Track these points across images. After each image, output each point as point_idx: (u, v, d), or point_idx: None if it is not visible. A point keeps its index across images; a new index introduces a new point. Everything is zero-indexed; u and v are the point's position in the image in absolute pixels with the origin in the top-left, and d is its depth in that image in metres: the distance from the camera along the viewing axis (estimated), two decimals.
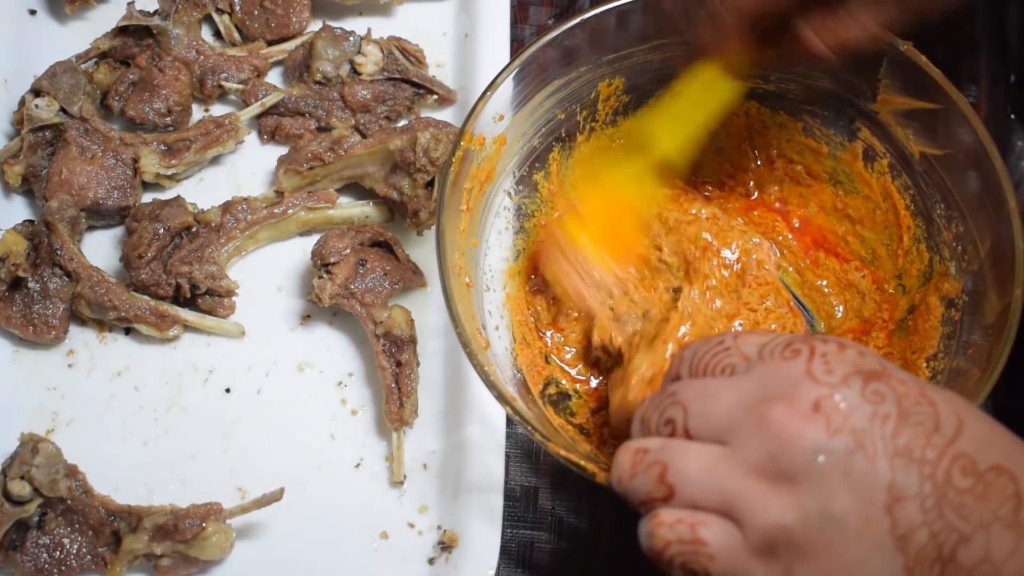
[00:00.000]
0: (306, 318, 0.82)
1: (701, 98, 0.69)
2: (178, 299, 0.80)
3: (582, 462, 0.61)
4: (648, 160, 0.71)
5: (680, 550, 0.47)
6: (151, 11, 0.87)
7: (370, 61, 0.86)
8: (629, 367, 0.68)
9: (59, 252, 0.78)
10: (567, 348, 0.76)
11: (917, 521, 0.43)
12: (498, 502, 0.72)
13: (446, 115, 0.87)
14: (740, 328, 0.74)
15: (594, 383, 0.75)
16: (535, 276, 0.78)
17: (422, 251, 0.82)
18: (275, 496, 0.72)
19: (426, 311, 0.80)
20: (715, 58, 0.66)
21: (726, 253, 0.76)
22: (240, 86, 0.87)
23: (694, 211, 0.78)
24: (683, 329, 0.69)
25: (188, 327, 0.81)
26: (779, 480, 0.45)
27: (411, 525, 0.75)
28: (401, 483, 0.76)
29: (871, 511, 0.44)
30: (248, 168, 0.87)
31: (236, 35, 0.90)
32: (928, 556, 0.43)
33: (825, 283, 0.77)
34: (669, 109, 0.71)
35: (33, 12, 0.91)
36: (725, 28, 0.64)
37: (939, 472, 0.44)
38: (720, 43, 0.66)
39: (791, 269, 0.78)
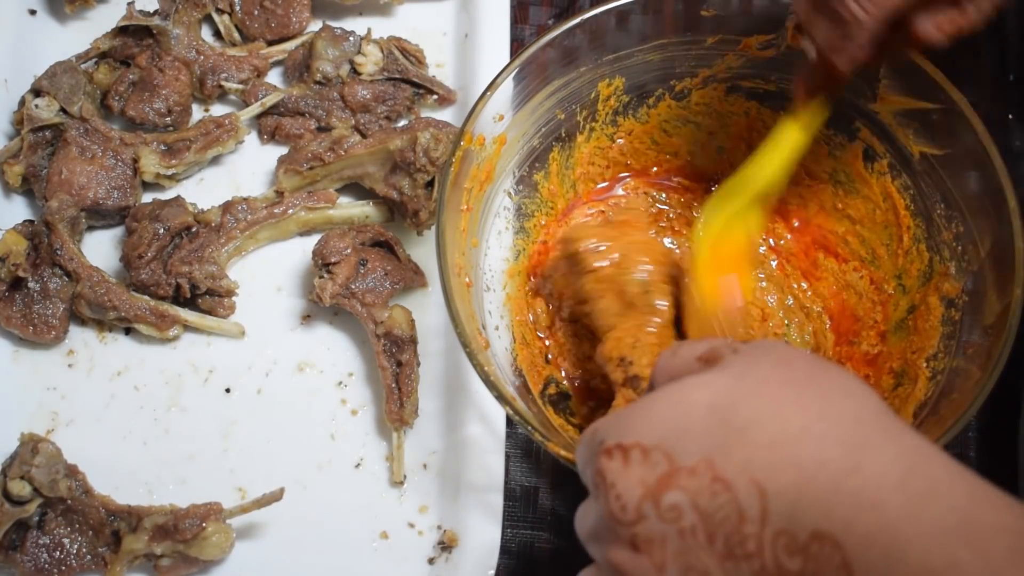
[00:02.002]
0: (306, 318, 0.82)
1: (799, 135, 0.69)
2: (178, 299, 0.80)
3: None
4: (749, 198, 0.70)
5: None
6: (151, 11, 0.87)
7: (370, 61, 0.86)
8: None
9: (59, 252, 0.78)
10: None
11: None
12: (498, 502, 0.72)
13: (446, 115, 0.87)
14: None
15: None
16: (534, 279, 0.78)
17: (422, 251, 0.82)
18: (275, 496, 0.72)
19: (426, 311, 0.80)
20: (838, 64, 0.63)
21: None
22: (240, 86, 0.87)
23: None
24: None
25: (188, 327, 0.81)
26: None
27: (411, 525, 0.75)
28: (401, 483, 0.76)
29: None
30: (248, 168, 0.87)
31: (236, 35, 0.90)
32: None
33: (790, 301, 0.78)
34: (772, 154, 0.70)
35: (33, 12, 0.91)
36: (859, 30, 0.60)
37: (768, 562, 0.42)
38: (851, 46, 0.61)
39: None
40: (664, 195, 0.81)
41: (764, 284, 0.78)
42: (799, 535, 0.41)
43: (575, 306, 0.74)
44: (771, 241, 0.79)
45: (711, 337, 0.52)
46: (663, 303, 0.71)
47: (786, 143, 0.68)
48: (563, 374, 0.75)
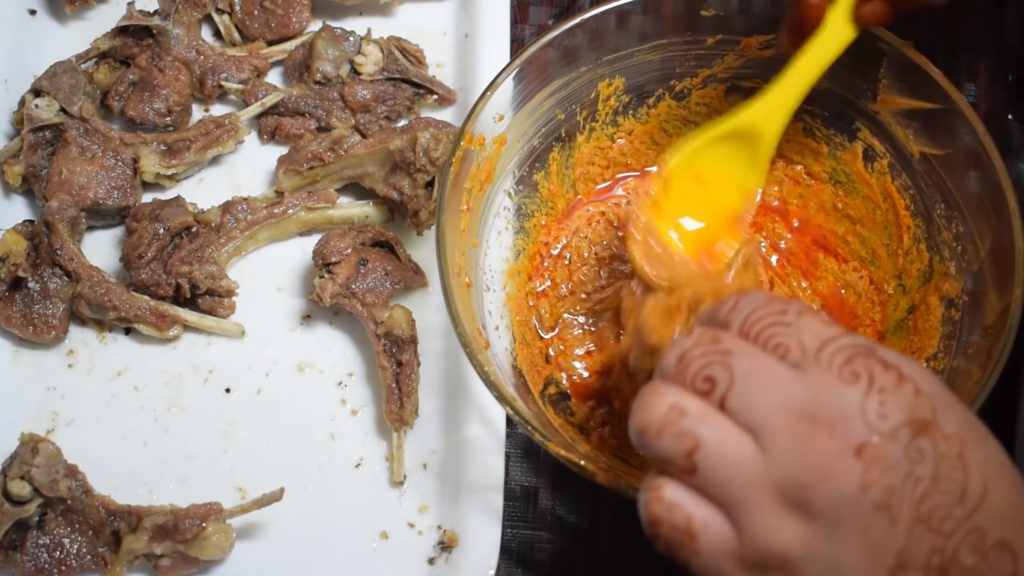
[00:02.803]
0: (306, 318, 0.82)
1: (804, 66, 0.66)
2: (178, 299, 0.80)
3: (582, 462, 0.61)
4: (739, 138, 0.68)
5: (669, 533, 0.46)
6: (151, 11, 0.87)
7: (370, 61, 0.86)
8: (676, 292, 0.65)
9: (59, 252, 0.78)
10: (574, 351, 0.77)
11: None
12: (498, 502, 0.72)
13: (446, 115, 0.87)
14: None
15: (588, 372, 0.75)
16: (531, 280, 0.78)
17: (422, 251, 0.82)
18: (275, 496, 0.72)
19: (426, 311, 0.80)
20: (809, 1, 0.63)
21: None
22: (240, 86, 0.87)
23: None
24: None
25: (188, 327, 0.81)
26: (799, 510, 0.44)
27: (411, 525, 0.75)
28: (401, 483, 0.76)
29: (877, 571, 0.44)
30: (248, 168, 0.87)
31: (236, 35, 0.90)
32: None
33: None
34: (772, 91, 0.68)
35: (33, 12, 0.91)
36: None
37: (949, 546, 0.44)
38: None
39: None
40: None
41: (763, 280, 0.78)
42: (989, 538, 0.44)
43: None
44: (768, 241, 0.79)
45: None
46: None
47: (783, 84, 0.67)
48: (563, 374, 0.75)
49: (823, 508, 0.44)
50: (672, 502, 0.46)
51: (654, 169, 0.68)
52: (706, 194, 0.69)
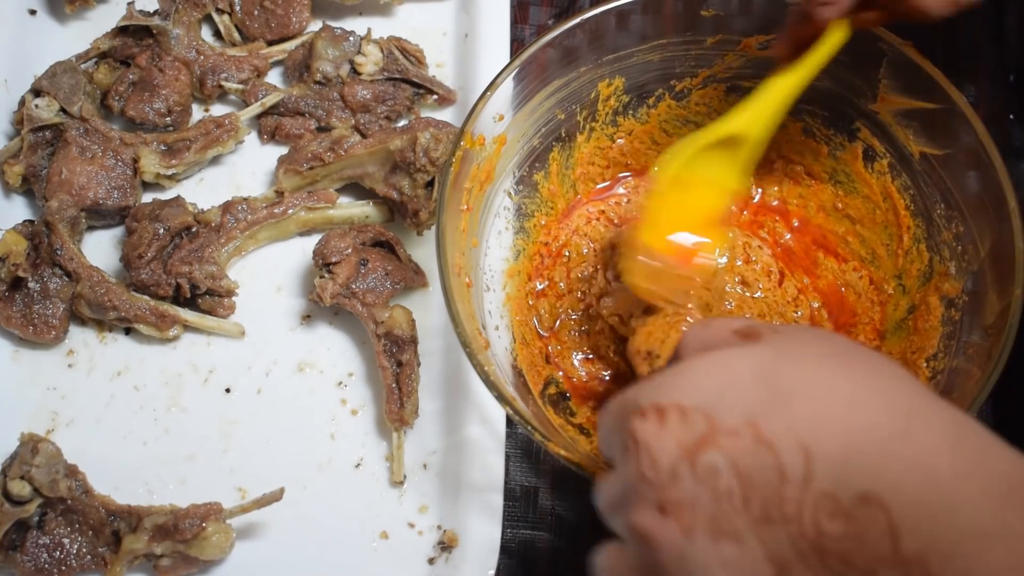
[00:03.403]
0: (306, 318, 0.82)
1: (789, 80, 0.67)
2: (178, 299, 0.80)
3: (582, 462, 0.61)
4: (724, 145, 0.68)
5: None
6: (151, 11, 0.87)
7: (370, 61, 0.86)
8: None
9: (59, 252, 0.78)
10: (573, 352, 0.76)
11: None
12: (498, 502, 0.72)
13: (446, 115, 0.87)
14: None
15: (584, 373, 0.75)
16: (531, 280, 0.78)
17: (422, 251, 0.82)
18: (275, 496, 0.72)
19: (427, 311, 0.80)
20: (826, 18, 0.63)
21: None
22: (240, 86, 0.87)
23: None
24: None
25: (188, 327, 0.81)
26: None
27: (411, 525, 0.75)
28: (401, 483, 0.76)
29: None
30: (248, 168, 0.87)
31: (236, 35, 0.90)
32: None
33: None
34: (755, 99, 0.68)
35: (33, 12, 0.91)
36: None
37: (806, 526, 0.41)
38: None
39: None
40: None
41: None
42: (843, 498, 0.40)
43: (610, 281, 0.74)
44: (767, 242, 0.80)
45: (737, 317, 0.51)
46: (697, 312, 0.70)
47: (772, 90, 0.67)
48: (561, 374, 0.75)
49: (681, 574, 0.43)
50: None
51: (653, 172, 0.68)
52: (691, 199, 0.69)
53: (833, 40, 0.65)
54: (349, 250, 0.78)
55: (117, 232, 0.85)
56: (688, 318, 0.68)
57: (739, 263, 0.78)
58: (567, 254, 0.79)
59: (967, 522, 0.38)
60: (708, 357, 0.46)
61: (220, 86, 0.87)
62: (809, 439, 0.41)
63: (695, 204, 0.69)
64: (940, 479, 0.40)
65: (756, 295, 0.77)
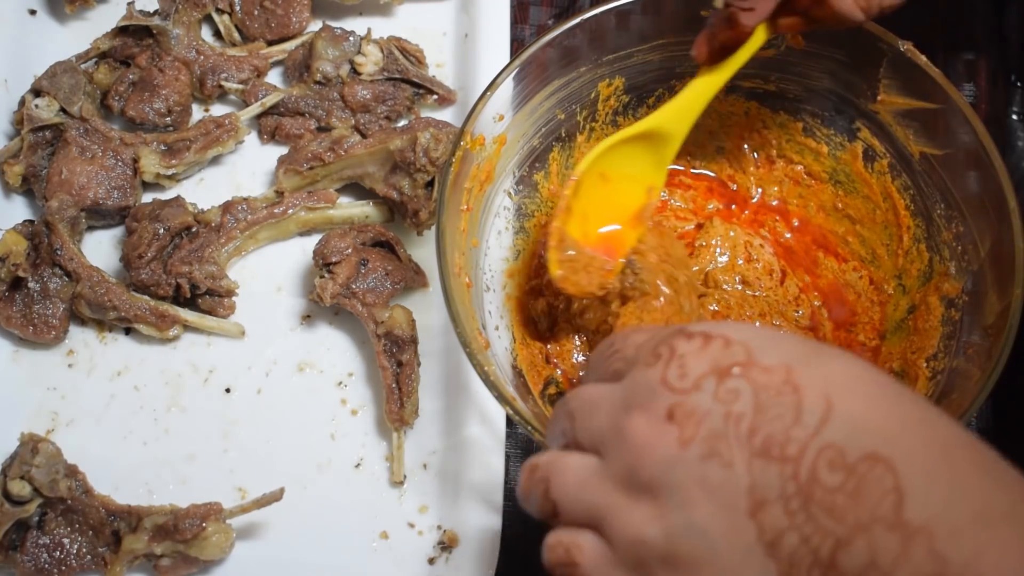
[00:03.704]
0: (306, 318, 0.82)
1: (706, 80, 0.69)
2: (178, 299, 0.80)
3: None
4: (647, 140, 0.70)
5: (560, 571, 0.47)
6: (151, 11, 0.87)
7: (370, 61, 0.86)
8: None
9: (59, 252, 0.78)
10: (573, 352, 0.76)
11: (783, 525, 0.41)
12: (498, 502, 0.72)
13: (446, 115, 0.87)
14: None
15: None
16: (531, 280, 0.78)
17: (422, 251, 0.82)
18: (275, 496, 0.72)
19: (427, 311, 0.80)
20: (745, 21, 0.64)
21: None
22: (240, 86, 0.87)
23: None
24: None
25: (188, 327, 0.81)
26: (640, 493, 0.44)
27: (411, 525, 0.75)
28: (401, 483, 0.76)
29: (735, 518, 0.42)
30: (248, 168, 0.87)
31: (236, 35, 0.90)
32: (803, 561, 0.40)
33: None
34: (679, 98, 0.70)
35: (33, 12, 0.91)
36: None
37: (802, 469, 0.41)
38: (762, 5, 0.63)
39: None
40: (664, 194, 0.81)
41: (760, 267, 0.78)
42: (850, 452, 0.40)
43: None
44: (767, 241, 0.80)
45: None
46: (666, 288, 0.71)
47: (693, 90, 0.68)
48: (560, 373, 0.75)
49: (658, 482, 0.43)
50: (553, 543, 0.48)
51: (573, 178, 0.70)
52: (611, 192, 0.71)
53: (752, 44, 0.67)
54: (349, 250, 0.78)
55: (117, 232, 0.85)
56: (659, 299, 0.71)
57: (740, 262, 0.78)
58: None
59: (982, 504, 0.38)
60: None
61: (220, 86, 0.87)
62: (835, 393, 0.42)
63: (615, 198, 0.71)
64: (957, 461, 0.40)
65: (757, 293, 0.77)
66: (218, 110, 0.89)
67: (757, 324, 0.46)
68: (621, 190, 0.71)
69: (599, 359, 0.50)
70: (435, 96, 0.88)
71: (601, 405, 0.47)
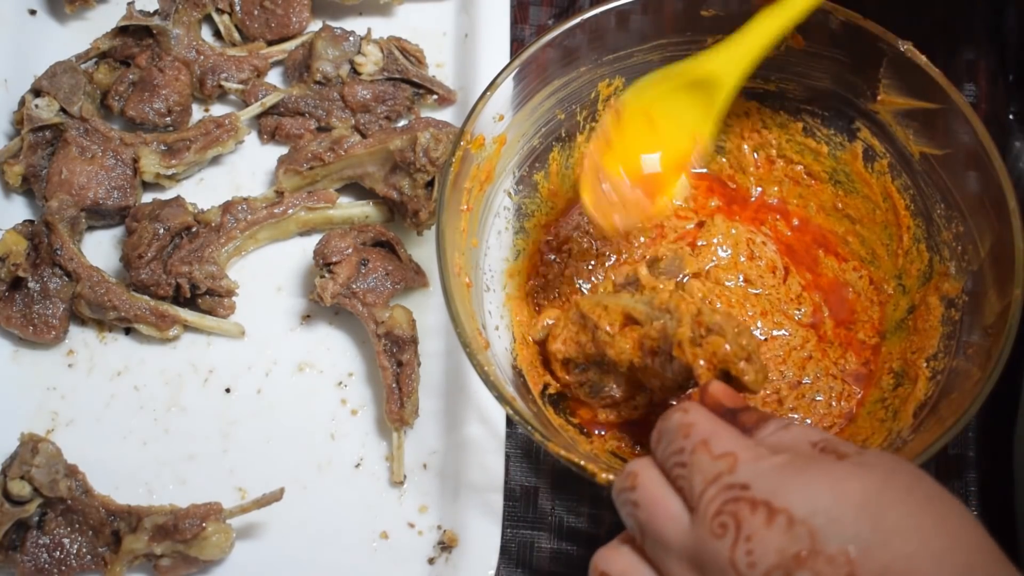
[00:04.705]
0: (306, 318, 0.82)
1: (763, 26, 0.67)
2: (178, 299, 0.80)
3: (582, 462, 0.61)
4: (698, 88, 0.68)
5: None
6: (151, 11, 0.87)
7: (370, 61, 0.86)
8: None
9: (59, 252, 0.78)
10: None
11: None
12: (498, 502, 0.72)
13: (446, 115, 0.87)
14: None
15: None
16: (531, 280, 0.78)
17: (422, 251, 0.82)
18: (275, 496, 0.72)
19: (427, 311, 0.80)
20: None
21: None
22: (240, 86, 0.87)
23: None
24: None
25: (188, 327, 0.81)
26: None
27: (411, 525, 0.75)
28: (401, 483, 0.76)
29: None
30: (248, 168, 0.87)
31: (236, 35, 0.90)
32: None
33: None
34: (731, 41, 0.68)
35: (33, 12, 0.91)
36: None
37: None
38: None
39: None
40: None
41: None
42: None
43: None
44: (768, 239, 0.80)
45: (815, 430, 0.52)
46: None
47: (754, 31, 0.66)
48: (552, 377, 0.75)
49: None
50: None
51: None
52: (657, 137, 0.70)
53: None
54: (350, 250, 0.78)
55: (117, 232, 0.85)
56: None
57: (742, 259, 0.78)
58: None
59: None
60: (823, 467, 0.47)
61: (220, 86, 0.87)
62: None
63: (660, 143, 0.69)
64: None
65: (759, 291, 0.77)
66: (218, 110, 0.89)
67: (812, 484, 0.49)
68: (666, 134, 0.69)
69: (664, 448, 0.52)
70: (435, 96, 0.88)
71: (669, 537, 0.49)
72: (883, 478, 0.46)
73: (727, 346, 0.61)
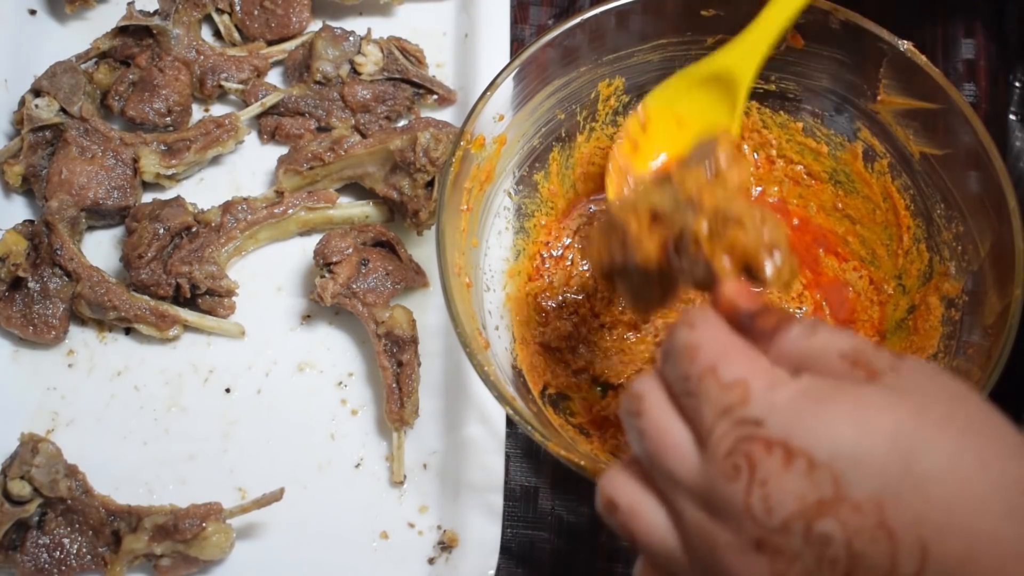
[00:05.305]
0: (306, 318, 0.82)
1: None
2: (178, 299, 0.80)
3: (582, 462, 0.61)
4: (716, 80, 0.69)
5: None
6: (151, 11, 0.87)
7: (370, 61, 0.86)
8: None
9: (59, 252, 0.78)
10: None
11: None
12: (498, 502, 0.72)
13: (446, 115, 0.87)
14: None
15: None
16: (531, 280, 0.78)
17: (422, 251, 0.82)
18: (275, 496, 0.72)
19: (427, 311, 0.80)
20: None
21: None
22: (240, 86, 0.87)
23: None
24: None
25: (188, 327, 0.81)
26: None
27: (411, 525, 0.75)
28: (401, 483, 0.76)
29: None
30: (248, 168, 0.87)
31: (236, 35, 0.90)
32: None
33: None
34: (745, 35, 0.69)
35: (33, 12, 0.91)
36: None
37: None
38: None
39: None
40: None
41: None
42: None
43: None
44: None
45: (844, 331, 0.46)
46: None
47: (762, 24, 0.67)
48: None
49: None
50: None
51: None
52: (684, 136, 0.70)
53: None
54: (350, 250, 0.78)
55: (117, 232, 0.85)
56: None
57: None
58: (568, 255, 0.79)
59: None
60: (847, 397, 0.42)
61: (220, 86, 0.87)
62: (931, 536, 0.40)
63: (688, 141, 0.68)
64: None
65: (758, 291, 0.77)
66: (218, 110, 0.89)
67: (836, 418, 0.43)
68: (694, 132, 0.70)
69: (670, 372, 0.47)
70: (435, 96, 0.88)
71: (678, 470, 0.45)
72: (916, 409, 0.42)
73: (748, 236, 0.52)
